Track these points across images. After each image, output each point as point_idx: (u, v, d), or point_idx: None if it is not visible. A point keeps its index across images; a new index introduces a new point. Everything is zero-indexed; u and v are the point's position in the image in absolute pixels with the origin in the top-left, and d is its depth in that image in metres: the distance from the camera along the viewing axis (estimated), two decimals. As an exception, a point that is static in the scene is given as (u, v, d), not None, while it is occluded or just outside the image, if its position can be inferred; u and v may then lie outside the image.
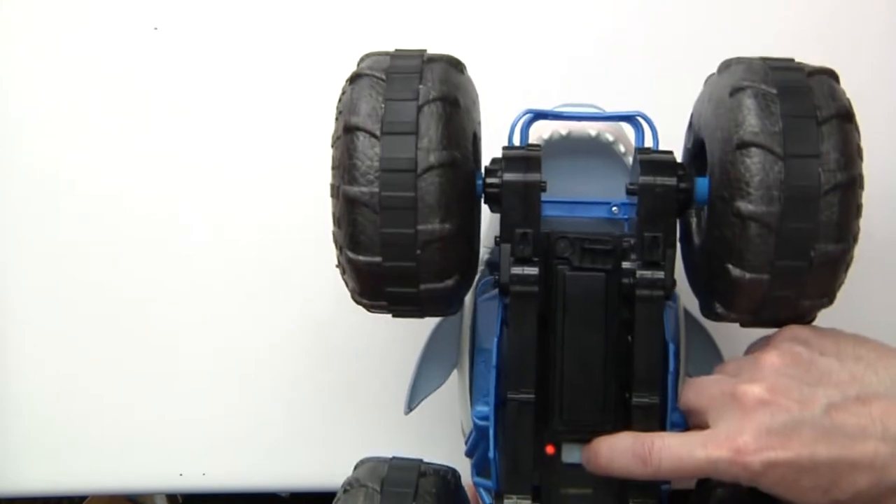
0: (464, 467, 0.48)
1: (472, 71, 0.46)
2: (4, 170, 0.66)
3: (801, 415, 0.37)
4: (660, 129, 0.47)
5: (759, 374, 0.39)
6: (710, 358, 0.53)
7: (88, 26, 0.66)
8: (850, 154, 0.41)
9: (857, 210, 0.41)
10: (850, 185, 0.41)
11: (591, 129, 0.50)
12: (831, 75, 0.43)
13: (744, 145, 0.41)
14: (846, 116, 0.41)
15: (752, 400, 0.38)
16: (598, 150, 0.50)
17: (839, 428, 0.37)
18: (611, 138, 0.50)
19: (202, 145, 0.66)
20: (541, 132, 0.50)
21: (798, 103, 0.41)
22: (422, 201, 0.41)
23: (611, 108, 0.50)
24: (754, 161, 0.40)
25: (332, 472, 0.52)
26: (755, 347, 0.43)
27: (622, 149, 0.51)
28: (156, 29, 0.66)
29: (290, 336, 0.65)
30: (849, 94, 0.43)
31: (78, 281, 0.66)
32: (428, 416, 0.57)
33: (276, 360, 0.65)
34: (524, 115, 0.47)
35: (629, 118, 0.48)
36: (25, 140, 0.66)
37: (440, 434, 0.60)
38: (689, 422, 0.42)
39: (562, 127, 0.50)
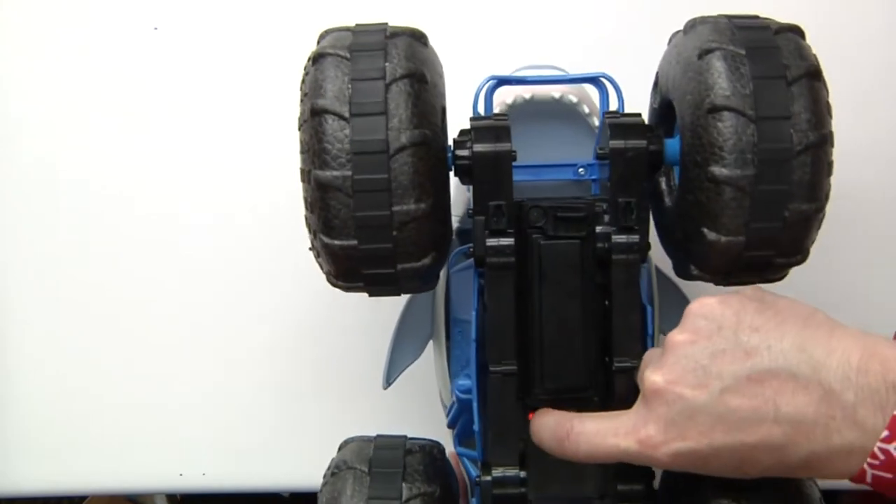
0: (444, 436, 0.48)
1: (430, 37, 0.45)
2: (4, 170, 0.66)
3: (695, 401, 0.37)
4: (624, 90, 0.46)
5: (662, 358, 0.39)
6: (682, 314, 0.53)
7: (88, 26, 0.66)
8: (821, 113, 0.41)
9: (828, 168, 0.41)
10: (821, 145, 0.40)
11: (555, 91, 0.50)
12: (797, 32, 0.43)
13: (715, 109, 0.40)
14: (814, 75, 0.41)
15: (650, 390, 0.38)
16: (561, 112, 0.50)
17: (733, 412, 0.36)
18: (574, 100, 0.50)
19: (202, 145, 0.66)
20: (504, 97, 0.50)
21: (767, 64, 0.41)
22: (395, 182, 0.40)
23: (572, 70, 0.50)
24: (727, 125, 0.40)
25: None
26: None
27: (586, 110, 0.50)
28: (156, 29, 0.66)
29: (291, 336, 0.65)
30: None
31: (78, 281, 0.66)
32: (412, 391, 0.57)
33: (277, 360, 0.65)
34: (487, 81, 0.47)
35: (593, 80, 0.47)
36: (25, 140, 0.66)
37: (424, 409, 0.60)
38: None
39: (525, 91, 0.50)
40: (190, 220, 0.66)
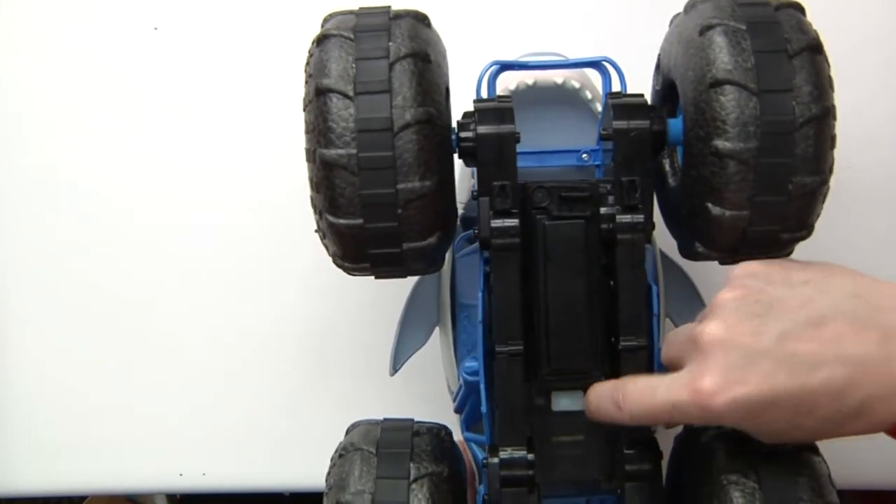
0: (452, 424, 0.48)
1: (434, 23, 0.45)
2: (4, 170, 0.66)
3: (755, 348, 0.37)
4: (626, 74, 0.47)
5: (713, 312, 0.39)
6: (688, 298, 0.53)
7: (88, 26, 0.66)
8: (822, 86, 0.41)
9: (831, 141, 0.42)
10: (824, 117, 0.41)
11: (557, 77, 0.50)
12: (797, 8, 0.43)
13: (717, 83, 0.41)
14: (816, 48, 0.42)
15: (706, 340, 0.38)
16: (564, 98, 0.50)
17: (794, 356, 0.37)
18: (577, 85, 0.50)
19: (202, 145, 0.66)
20: (506, 83, 0.50)
21: (768, 37, 0.41)
22: (400, 160, 0.40)
23: (574, 56, 0.50)
24: (729, 98, 0.40)
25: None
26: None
27: (589, 95, 0.51)
28: (156, 29, 0.66)
29: (290, 336, 0.65)
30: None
31: (78, 281, 0.66)
32: (417, 380, 0.57)
33: (277, 360, 0.65)
34: (490, 66, 0.47)
35: (595, 64, 0.47)
36: (25, 140, 0.66)
37: (430, 397, 0.60)
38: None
39: (527, 77, 0.50)
40: (190, 219, 0.66)
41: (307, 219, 0.44)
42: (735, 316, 0.38)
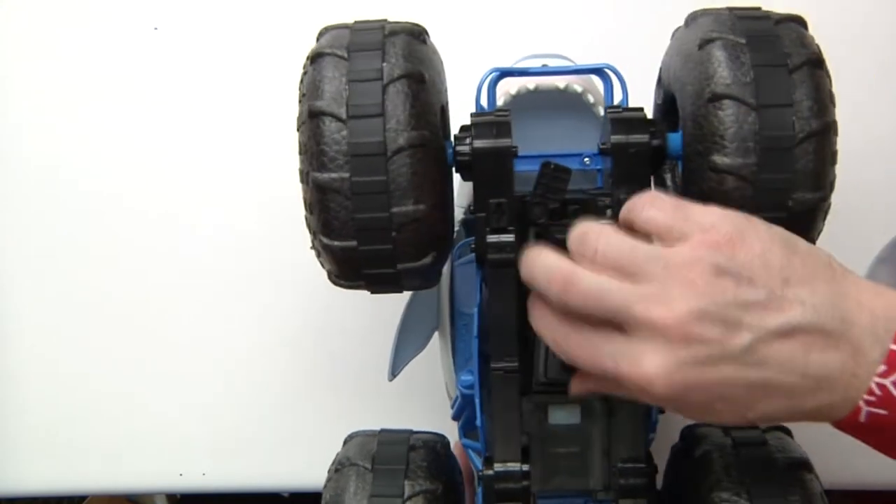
0: (450, 426, 0.48)
1: (433, 29, 0.45)
2: (4, 169, 0.66)
3: (721, 351, 0.35)
4: (629, 82, 0.46)
5: (683, 281, 0.35)
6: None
7: (88, 26, 0.66)
8: (823, 101, 0.40)
9: (832, 157, 0.41)
10: (824, 133, 0.40)
11: (560, 81, 0.49)
12: (799, 22, 0.43)
13: (716, 98, 0.40)
14: (816, 62, 0.41)
15: (667, 322, 0.35)
16: (567, 102, 0.50)
17: (762, 362, 0.35)
18: (579, 89, 0.50)
19: (202, 145, 0.66)
20: (508, 87, 0.50)
21: (768, 52, 0.41)
22: (394, 184, 0.40)
23: (577, 60, 0.49)
24: (727, 113, 0.40)
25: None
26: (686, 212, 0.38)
27: (591, 99, 0.50)
28: (156, 29, 0.66)
29: (290, 336, 0.65)
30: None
31: (78, 281, 0.66)
32: (416, 384, 0.57)
33: (277, 360, 0.65)
34: (490, 73, 0.46)
35: (597, 71, 0.47)
36: (25, 139, 0.66)
37: (428, 401, 0.60)
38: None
39: (529, 81, 0.49)
40: (189, 219, 0.66)
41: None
42: (709, 313, 0.35)
